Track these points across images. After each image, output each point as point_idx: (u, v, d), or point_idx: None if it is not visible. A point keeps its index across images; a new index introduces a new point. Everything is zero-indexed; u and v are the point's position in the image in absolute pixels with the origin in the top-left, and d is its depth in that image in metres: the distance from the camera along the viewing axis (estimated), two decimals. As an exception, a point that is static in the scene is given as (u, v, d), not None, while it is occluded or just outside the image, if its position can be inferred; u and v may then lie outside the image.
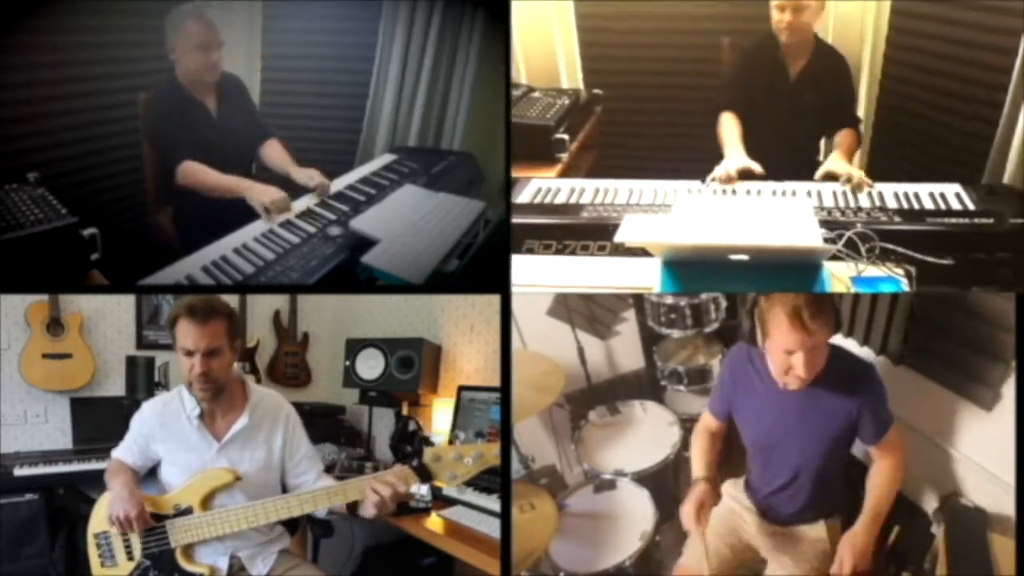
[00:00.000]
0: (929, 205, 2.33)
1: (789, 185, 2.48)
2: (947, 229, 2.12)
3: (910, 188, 2.42)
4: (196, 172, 2.49)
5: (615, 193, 2.47)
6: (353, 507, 1.85)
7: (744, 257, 1.78)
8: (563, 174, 2.70)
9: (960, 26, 2.62)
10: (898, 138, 2.98)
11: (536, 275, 2.03)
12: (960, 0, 2.60)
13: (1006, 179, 2.47)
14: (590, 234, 2.19)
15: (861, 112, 2.99)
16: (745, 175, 2.47)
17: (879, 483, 1.90)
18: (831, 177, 2.46)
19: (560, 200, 2.45)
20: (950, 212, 2.25)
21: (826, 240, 1.87)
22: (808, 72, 2.65)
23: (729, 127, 2.65)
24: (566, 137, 2.75)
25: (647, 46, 3.25)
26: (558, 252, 2.15)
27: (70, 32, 2.77)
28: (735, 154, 2.53)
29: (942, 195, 2.38)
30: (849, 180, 2.41)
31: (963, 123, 2.69)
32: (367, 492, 1.80)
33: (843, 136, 2.67)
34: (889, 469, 1.90)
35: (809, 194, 2.41)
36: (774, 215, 1.93)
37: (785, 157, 2.63)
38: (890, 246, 1.94)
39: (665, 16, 3.16)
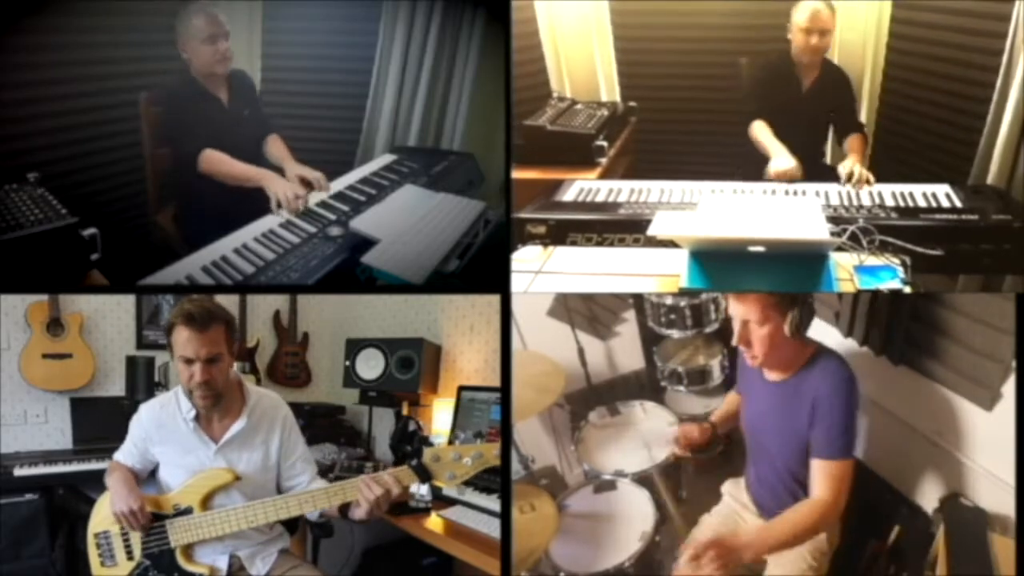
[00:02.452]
0: (922, 203, 2.52)
1: (800, 185, 2.69)
2: (938, 224, 2.34)
3: (906, 188, 2.62)
4: (218, 160, 2.53)
5: (648, 193, 2.70)
6: (344, 509, 1.85)
7: (761, 248, 1.96)
8: (602, 176, 2.97)
9: (949, 47, 2.94)
10: (896, 145, 3.25)
11: (579, 264, 2.27)
12: (950, 27, 2.92)
13: (989, 180, 2.72)
14: (626, 228, 2.45)
15: (864, 120, 3.21)
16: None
17: (795, 517, 1.82)
18: (848, 176, 2.66)
19: (600, 199, 2.69)
20: (941, 209, 2.46)
21: (832, 234, 2.04)
22: (817, 86, 2.92)
23: (765, 131, 2.84)
24: (605, 144, 3.04)
25: (676, 64, 3.64)
26: (598, 244, 2.46)
27: (70, 32, 2.77)
28: (785, 154, 2.73)
29: (934, 194, 2.57)
30: (851, 175, 2.63)
31: (952, 131, 2.97)
32: (361, 491, 1.78)
33: (853, 141, 2.90)
34: (815, 507, 1.81)
35: (817, 193, 2.61)
36: (787, 212, 2.14)
37: (802, 161, 2.82)
38: (888, 239, 2.10)
39: (693, 38, 3.55)
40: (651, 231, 2.03)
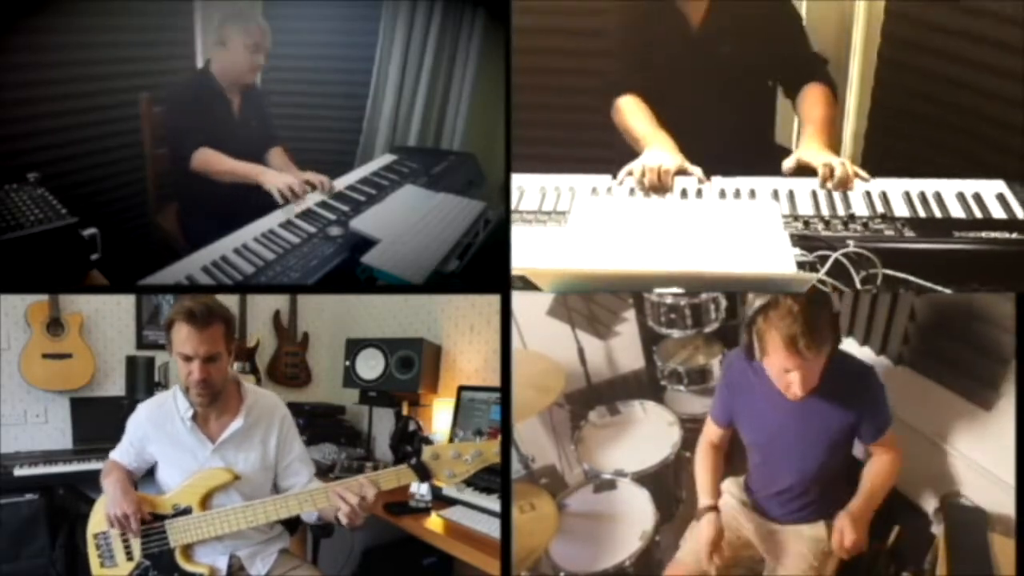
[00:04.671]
0: (957, 211, 1.73)
1: (744, 182, 1.83)
2: (984, 248, 1.56)
3: (928, 186, 1.82)
4: (211, 158, 2.52)
5: None
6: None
7: (676, 290, 1.49)
8: None
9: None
10: (909, 111, 2.20)
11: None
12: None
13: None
14: None
15: (854, 73, 2.36)
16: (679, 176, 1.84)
17: (875, 472, 1.91)
18: (805, 170, 1.82)
19: None
20: (989, 222, 1.67)
21: (801, 265, 1.43)
22: (715, 14, 1.96)
23: (635, 114, 1.96)
24: None
25: None
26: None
27: (71, 32, 2.77)
28: (658, 147, 1.86)
29: (976, 196, 1.78)
30: (830, 175, 1.77)
31: (1010, 88, 1.95)
32: (336, 501, 1.77)
33: (808, 99, 1.95)
34: (887, 462, 1.91)
35: (776, 195, 1.77)
36: (722, 227, 1.46)
37: (727, 142, 2.00)
38: (898, 274, 1.45)
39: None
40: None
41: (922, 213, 1.75)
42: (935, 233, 1.64)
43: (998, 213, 1.73)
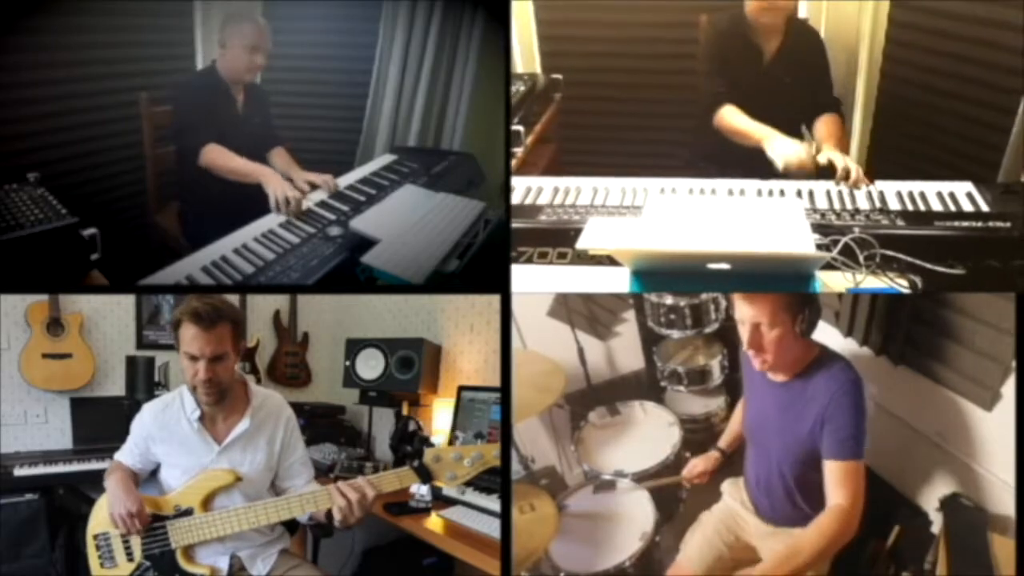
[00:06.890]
0: (937, 206, 2.15)
1: (776, 183, 2.25)
2: (958, 234, 1.94)
3: (915, 187, 2.24)
4: (218, 154, 2.53)
5: (577, 193, 2.28)
6: (331, 514, 1.81)
7: (725, 266, 1.62)
8: (518, 171, 2.48)
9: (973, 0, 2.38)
10: (901, 130, 2.76)
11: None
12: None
13: (1025, 177, 2.33)
14: (549, 240, 2.00)
15: (859, 100, 2.87)
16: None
17: (818, 529, 1.73)
18: (830, 169, 2.25)
19: (514, 201, 2.23)
20: (961, 214, 2.07)
21: (819, 246, 1.73)
22: (784, 52, 2.45)
23: (742, 118, 2.38)
24: (521, 129, 2.55)
25: (615, 24, 2.83)
26: (512, 260, 1.97)
27: (71, 32, 2.77)
28: (779, 138, 2.27)
29: (951, 195, 2.19)
30: (847, 176, 2.21)
31: (976, 112, 2.47)
32: (335, 497, 1.76)
33: (827, 125, 2.44)
34: (835, 518, 1.73)
35: (799, 194, 2.19)
36: (759, 218, 1.77)
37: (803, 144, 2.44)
38: (892, 253, 1.78)
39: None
40: (581, 243, 1.67)
41: (910, 207, 2.16)
42: (920, 223, 2.04)
43: (968, 207, 2.14)
